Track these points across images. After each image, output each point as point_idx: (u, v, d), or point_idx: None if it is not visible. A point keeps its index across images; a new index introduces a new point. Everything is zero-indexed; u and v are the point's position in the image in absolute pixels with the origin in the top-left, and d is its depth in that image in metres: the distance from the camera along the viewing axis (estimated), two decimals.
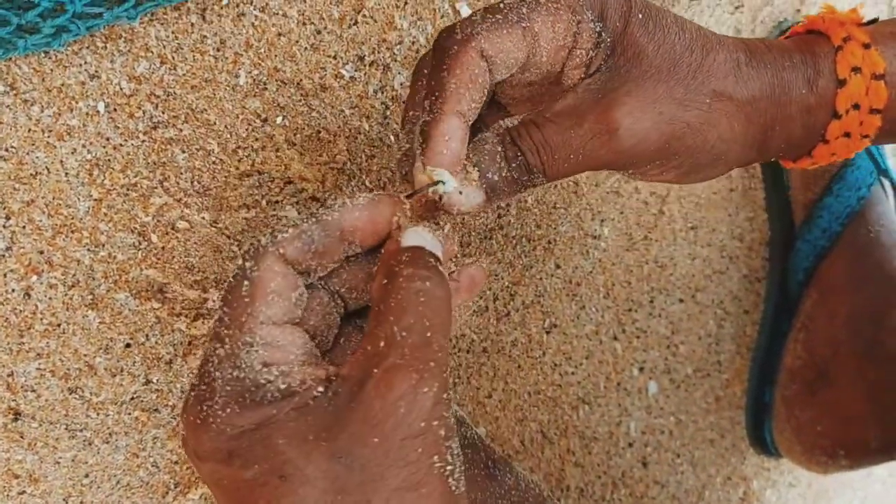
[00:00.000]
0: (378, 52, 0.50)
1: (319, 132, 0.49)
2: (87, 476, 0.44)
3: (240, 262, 0.34)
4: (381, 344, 0.31)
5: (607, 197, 0.63)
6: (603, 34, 0.38)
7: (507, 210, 0.58)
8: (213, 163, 0.46)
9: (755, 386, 0.74)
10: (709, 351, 0.72)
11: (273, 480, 0.30)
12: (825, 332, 0.69)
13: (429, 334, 0.32)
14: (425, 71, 0.39)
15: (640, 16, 0.39)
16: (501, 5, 0.38)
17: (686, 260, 0.68)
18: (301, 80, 0.48)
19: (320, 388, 0.32)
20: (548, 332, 0.61)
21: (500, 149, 0.38)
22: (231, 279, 0.34)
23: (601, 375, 0.64)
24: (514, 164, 0.38)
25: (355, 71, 0.50)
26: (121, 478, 0.45)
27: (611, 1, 0.38)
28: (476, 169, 0.38)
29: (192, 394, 0.33)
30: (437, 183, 0.37)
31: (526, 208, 0.59)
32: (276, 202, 0.48)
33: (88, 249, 0.43)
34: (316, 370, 0.33)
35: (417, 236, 0.35)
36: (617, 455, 0.66)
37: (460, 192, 0.37)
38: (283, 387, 0.32)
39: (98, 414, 0.44)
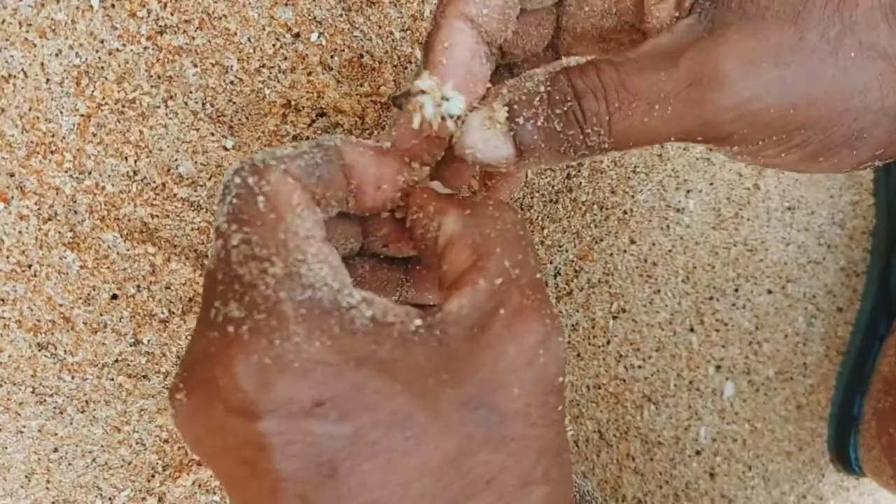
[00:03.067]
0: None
1: (362, 56, 0.40)
2: (55, 451, 0.37)
3: (235, 178, 0.27)
4: (498, 280, 0.27)
5: (696, 164, 0.53)
6: None
7: (579, 170, 0.49)
8: (231, 82, 0.38)
9: (843, 395, 0.66)
10: (794, 351, 0.62)
11: (390, 435, 0.25)
12: None
13: (538, 275, 0.28)
14: None
15: None
16: None
17: (779, 245, 0.59)
18: None
19: (418, 322, 0.26)
20: (615, 318, 0.52)
21: (543, 89, 0.29)
22: (233, 200, 0.27)
23: (672, 372, 0.55)
24: (558, 111, 0.29)
25: None
26: (97, 455, 0.38)
27: None
28: (505, 108, 0.29)
29: (245, 328, 0.25)
30: (441, 101, 0.29)
31: (600, 170, 0.50)
32: (305, 137, 0.39)
33: (71, 176, 0.35)
34: (393, 304, 0.27)
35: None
36: (682, 463, 0.57)
37: (479, 131, 0.29)
38: (369, 314, 0.26)
39: (73, 377, 0.37)
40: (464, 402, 0.25)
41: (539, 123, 0.29)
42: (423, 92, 0.29)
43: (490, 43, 0.31)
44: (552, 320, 0.27)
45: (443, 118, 0.29)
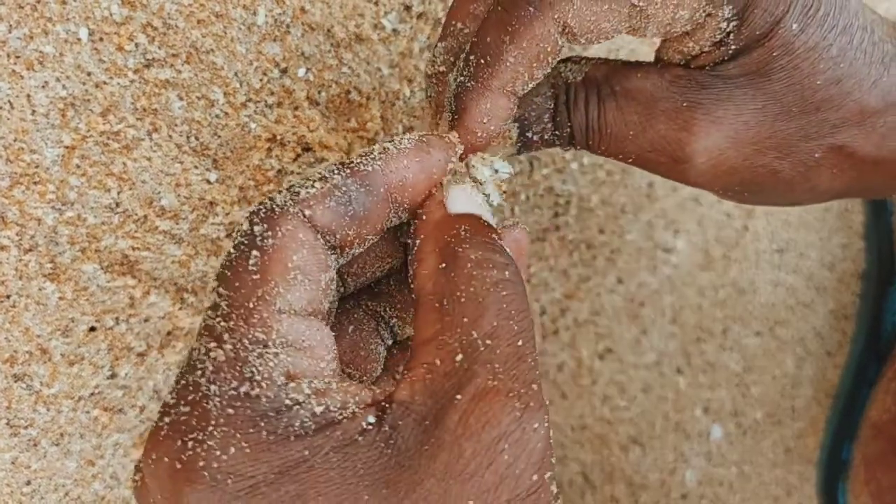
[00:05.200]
0: (429, 2, 0.42)
1: (349, 92, 0.40)
2: (28, 483, 0.36)
3: (244, 226, 0.24)
4: (459, 357, 0.22)
5: (685, 204, 0.53)
6: (741, 30, 0.29)
7: (567, 209, 0.49)
8: (216, 116, 0.38)
9: (832, 440, 0.65)
10: (783, 394, 0.62)
11: None
12: None
13: (520, 343, 0.23)
14: None
15: (795, 27, 0.28)
16: None
17: (768, 287, 0.59)
18: (332, 26, 0.40)
19: (371, 419, 0.22)
20: (601, 358, 0.52)
21: (550, 106, 0.31)
22: (231, 250, 0.24)
23: (658, 413, 0.54)
24: (558, 132, 0.31)
25: (399, 22, 0.41)
26: (70, 489, 0.37)
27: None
28: (517, 126, 0.31)
29: (167, 420, 0.22)
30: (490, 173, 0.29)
31: (588, 209, 0.50)
32: (289, 172, 0.39)
33: (53, 207, 0.35)
34: (358, 389, 0.23)
35: (468, 198, 0.26)
36: None
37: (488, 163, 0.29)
38: (318, 411, 0.22)
39: (48, 409, 0.36)
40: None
41: (546, 137, 0.31)
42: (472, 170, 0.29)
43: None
44: (525, 402, 0.22)
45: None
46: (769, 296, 0.59)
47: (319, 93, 0.40)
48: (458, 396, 0.22)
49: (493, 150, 0.30)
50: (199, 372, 0.23)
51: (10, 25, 0.34)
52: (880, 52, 0.30)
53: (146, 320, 0.37)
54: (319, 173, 0.25)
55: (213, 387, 0.22)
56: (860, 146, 0.30)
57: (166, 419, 0.22)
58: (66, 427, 0.37)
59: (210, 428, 0.22)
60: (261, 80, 0.38)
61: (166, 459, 0.22)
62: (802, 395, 0.63)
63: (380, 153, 0.26)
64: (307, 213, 0.24)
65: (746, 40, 0.29)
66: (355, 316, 0.30)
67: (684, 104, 0.30)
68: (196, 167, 0.37)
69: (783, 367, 0.61)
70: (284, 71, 0.39)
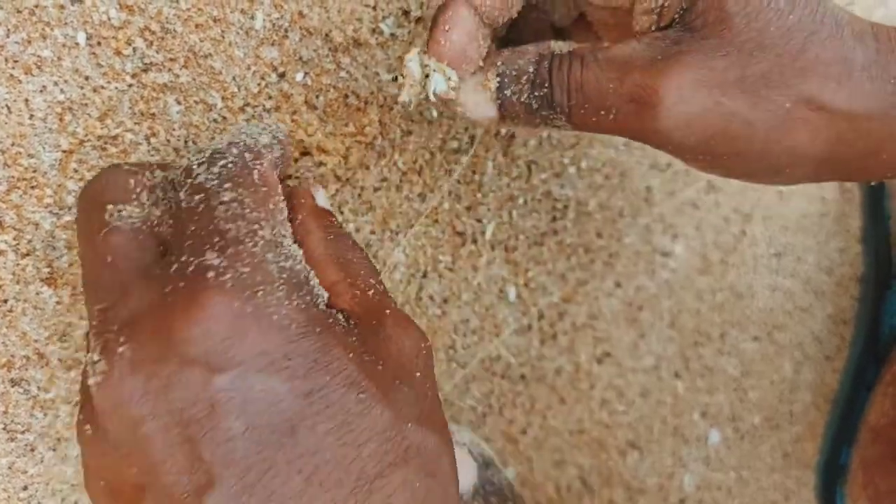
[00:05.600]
0: (427, 7, 0.42)
1: (347, 97, 0.40)
2: (25, 489, 0.36)
3: (232, 149, 0.30)
4: (371, 292, 0.30)
5: (683, 209, 0.53)
6: None
7: (564, 213, 0.49)
8: (214, 120, 0.38)
9: (830, 444, 0.65)
10: (781, 399, 0.62)
11: (345, 398, 0.26)
12: None
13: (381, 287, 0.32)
14: None
15: None
16: None
17: (766, 291, 0.59)
18: (330, 30, 0.40)
19: (341, 317, 0.29)
20: (599, 362, 0.52)
21: (531, 69, 0.34)
22: (227, 163, 0.29)
23: (657, 418, 0.54)
24: (537, 93, 0.34)
25: (397, 27, 0.41)
26: (67, 495, 0.37)
27: None
28: (497, 79, 0.34)
29: (228, 276, 0.25)
30: (426, 76, 0.34)
31: (586, 213, 0.50)
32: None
33: (51, 212, 0.35)
34: (321, 290, 0.30)
35: (325, 198, 0.34)
36: None
37: (453, 89, 0.34)
38: (325, 296, 0.29)
39: (45, 414, 0.36)
40: (391, 377, 0.28)
41: (522, 99, 0.34)
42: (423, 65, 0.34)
43: (491, 24, 0.35)
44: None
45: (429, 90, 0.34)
46: (767, 300, 0.59)
47: (317, 97, 0.40)
48: (388, 311, 0.30)
49: (472, 103, 0.34)
50: (251, 244, 0.26)
51: (8, 30, 0.34)
52: (831, 14, 0.32)
53: None
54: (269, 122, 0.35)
55: (268, 254, 0.27)
56: (829, 99, 0.31)
57: (227, 275, 0.25)
58: (64, 432, 0.37)
59: (276, 284, 0.26)
60: (259, 84, 0.38)
61: (236, 304, 0.25)
62: (800, 399, 0.63)
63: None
64: (270, 157, 0.31)
65: None
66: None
67: (658, 56, 0.32)
68: None
69: (781, 372, 0.61)
70: (282, 75, 0.39)
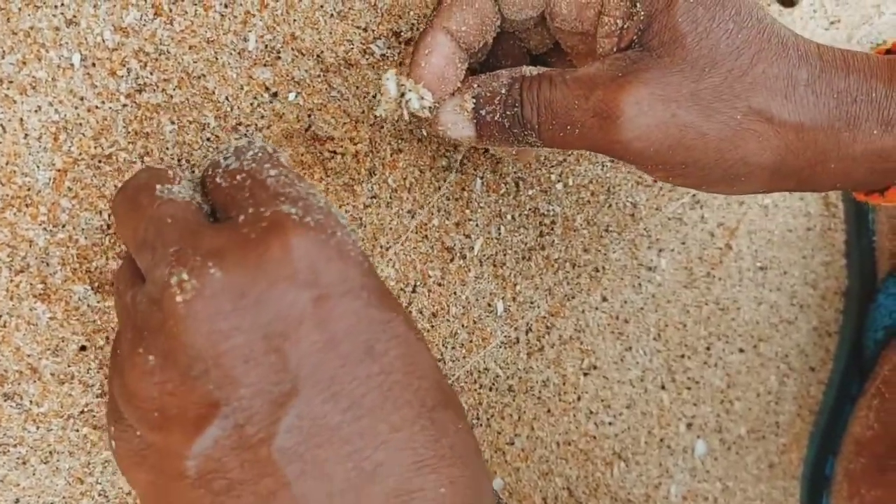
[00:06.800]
0: (417, 29, 0.42)
1: (338, 116, 0.41)
2: (17, 502, 0.37)
3: (258, 142, 0.32)
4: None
5: (668, 224, 0.54)
6: (638, 5, 0.34)
7: (552, 228, 0.50)
8: (207, 139, 0.38)
9: (815, 455, 0.66)
10: (767, 410, 0.63)
11: (408, 334, 0.30)
12: None
13: None
14: None
15: None
16: None
17: (751, 304, 0.59)
18: (322, 51, 0.40)
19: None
20: (586, 374, 0.52)
21: (504, 91, 0.36)
22: (257, 152, 0.32)
23: (643, 429, 0.55)
24: (509, 112, 0.36)
25: (387, 48, 0.42)
26: None
27: None
28: (473, 100, 0.37)
29: (309, 218, 0.29)
30: (403, 97, 0.37)
31: (573, 228, 0.50)
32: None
33: (45, 229, 0.36)
34: None
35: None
36: None
37: (427, 108, 0.37)
38: None
39: (38, 427, 0.37)
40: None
41: (496, 118, 0.36)
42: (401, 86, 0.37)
43: (468, 49, 0.38)
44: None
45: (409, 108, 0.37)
46: (752, 313, 0.60)
47: (309, 116, 0.40)
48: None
49: (450, 123, 0.37)
50: (315, 200, 0.29)
51: (4, 51, 0.35)
52: (777, 34, 0.34)
53: None
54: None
55: (332, 209, 0.30)
56: (777, 111, 0.34)
57: (308, 218, 0.28)
58: (56, 445, 0.37)
59: (347, 229, 0.29)
60: (251, 104, 0.39)
61: (322, 236, 0.28)
62: (786, 410, 0.64)
63: None
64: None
65: (650, 9, 0.34)
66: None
67: (619, 74, 0.34)
68: None
69: (767, 384, 0.62)
70: (275, 95, 0.40)
